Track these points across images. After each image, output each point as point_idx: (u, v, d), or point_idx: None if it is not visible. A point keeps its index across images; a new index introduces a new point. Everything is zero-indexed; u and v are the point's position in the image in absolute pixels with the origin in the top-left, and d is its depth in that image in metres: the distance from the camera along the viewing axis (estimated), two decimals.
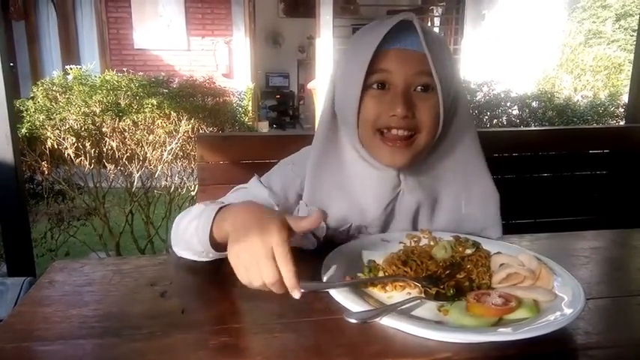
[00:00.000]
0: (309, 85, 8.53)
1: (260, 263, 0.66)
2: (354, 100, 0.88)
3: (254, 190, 1.00)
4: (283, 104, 9.75)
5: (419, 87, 0.87)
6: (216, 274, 0.83)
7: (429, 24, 7.16)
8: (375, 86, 0.88)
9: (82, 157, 2.91)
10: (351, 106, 0.89)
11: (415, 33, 0.86)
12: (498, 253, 0.83)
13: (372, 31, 0.88)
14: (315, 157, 0.98)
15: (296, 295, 0.66)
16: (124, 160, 2.97)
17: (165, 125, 2.97)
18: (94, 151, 2.93)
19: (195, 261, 0.88)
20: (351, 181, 0.96)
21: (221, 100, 3.46)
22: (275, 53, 10.00)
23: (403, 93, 0.86)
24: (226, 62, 7.51)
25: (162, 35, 7.33)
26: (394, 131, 0.87)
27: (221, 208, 0.78)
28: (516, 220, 1.53)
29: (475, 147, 0.99)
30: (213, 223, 0.77)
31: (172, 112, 3.00)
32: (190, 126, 3.02)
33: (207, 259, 0.85)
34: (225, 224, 0.74)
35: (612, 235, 1.11)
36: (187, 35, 7.40)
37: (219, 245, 0.78)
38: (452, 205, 0.98)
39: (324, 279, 0.74)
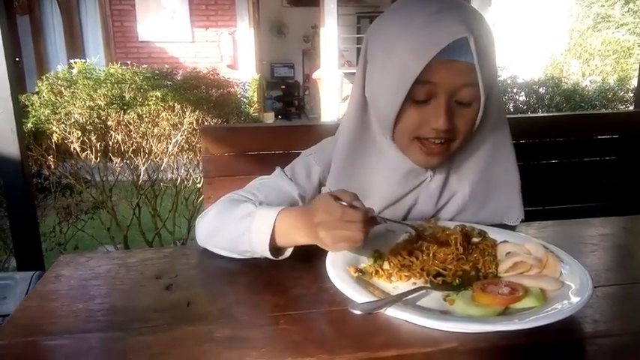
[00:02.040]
0: (314, 75, 8.50)
1: (343, 217, 0.70)
2: (394, 108, 0.85)
3: (279, 181, 1.00)
4: (288, 95, 9.73)
5: (463, 100, 0.84)
6: (221, 267, 0.83)
7: None
8: (417, 98, 0.84)
9: (88, 151, 2.91)
10: (389, 111, 0.86)
11: (466, 39, 0.78)
12: (504, 241, 0.82)
13: (422, 34, 0.79)
14: (345, 139, 0.97)
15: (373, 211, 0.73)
16: (129, 153, 2.98)
17: (169, 118, 2.97)
18: (100, 145, 2.93)
19: (202, 254, 0.89)
20: (379, 165, 0.97)
21: (226, 91, 3.45)
22: (279, 43, 9.96)
23: (447, 106, 0.83)
24: (231, 53, 7.49)
25: (166, 27, 7.32)
26: (431, 139, 0.86)
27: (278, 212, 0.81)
28: (525, 207, 1.52)
29: (504, 139, 0.99)
30: (274, 228, 0.79)
31: (177, 105, 3.00)
32: (195, 118, 3.01)
33: (243, 257, 0.86)
34: (292, 233, 0.79)
35: (621, 222, 1.10)
36: (191, 27, 7.38)
37: (278, 250, 0.82)
38: (473, 189, 0.98)
39: (328, 269, 0.74)
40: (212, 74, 3.49)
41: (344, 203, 0.71)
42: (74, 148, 2.88)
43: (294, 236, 0.79)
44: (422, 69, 0.79)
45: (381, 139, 0.95)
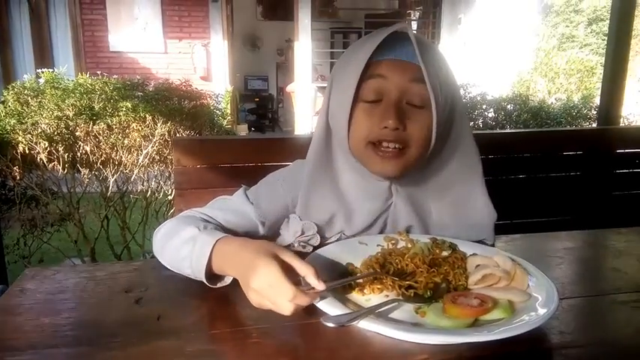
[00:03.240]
0: (288, 88, 8.54)
1: (274, 287, 0.67)
2: (345, 112, 0.87)
3: (240, 204, 0.97)
4: (262, 107, 9.72)
5: (412, 101, 0.86)
6: (192, 280, 0.82)
7: None
8: (368, 98, 0.86)
9: (55, 162, 2.84)
10: (342, 117, 0.88)
11: (410, 44, 0.85)
12: (474, 254, 0.84)
13: (366, 43, 0.87)
14: (310, 169, 0.97)
15: (321, 286, 0.68)
16: (98, 164, 2.92)
17: (140, 129, 2.92)
18: (68, 156, 2.87)
19: None
20: (344, 192, 0.96)
21: (199, 103, 3.43)
22: (253, 56, 9.97)
23: (395, 104, 0.84)
24: (204, 65, 7.46)
25: (139, 38, 7.25)
26: (385, 144, 0.86)
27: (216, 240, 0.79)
28: None
29: (472, 163, 0.98)
30: (210, 256, 0.78)
31: (148, 116, 2.96)
32: (167, 129, 2.98)
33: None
34: (226, 267, 0.77)
35: (585, 236, 1.14)
36: (164, 38, 7.33)
37: (213, 277, 0.79)
38: (445, 220, 0.97)
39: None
40: (185, 86, 3.47)
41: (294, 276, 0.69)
42: (41, 159, 2.81)
43: (227, 270, 0.78)
44: (365, 63, 0.84)
45: (343, 166, 0.95)
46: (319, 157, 0.96)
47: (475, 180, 0.98)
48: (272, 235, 1.00)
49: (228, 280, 0.80)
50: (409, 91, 0.85)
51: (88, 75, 3.13)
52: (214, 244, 0.78)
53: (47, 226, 3.00)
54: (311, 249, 0.95)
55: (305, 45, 7.82)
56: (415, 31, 0.90)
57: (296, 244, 0.96)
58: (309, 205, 0.97)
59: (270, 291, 0.67)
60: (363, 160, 0.90)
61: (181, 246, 0.83)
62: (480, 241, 0.97)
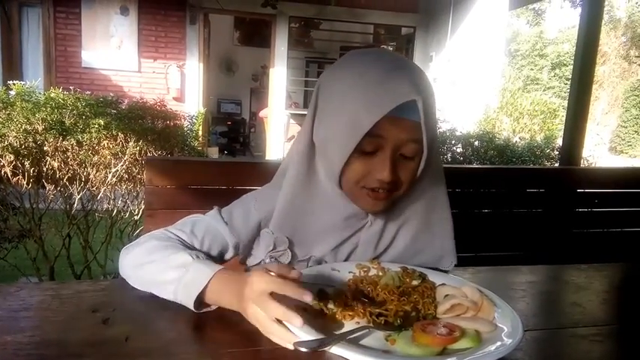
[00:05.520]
0: (262, 114, 8.58)
1: (262, 307, 0.69)
2: (342, 158, 0.87)
3: (213, 223, 0.98)
4: (234, 131, 9.72)
5: (405, 154, 0.88)
6: (163, 302, 0.81)
7: None
8: (365, 149, 0.86)
9: (20, 176, 2.76)
10: (337, 160, 0.88)
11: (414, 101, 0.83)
12: (443, 284, 0.86)
13: (374, 92, 0.83)
14: (290, 184, 0.97)
15: (307, 298, 0.70)
16: (64, 180, 2.85)
17: (111, 146, 2.88)
18: (33, 171, 2.79)
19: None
20: (322, 209, 0.97)
21: (172, 123, 3.41)
22: (228, 80, 10.01)
23: (392, 159, 0.86)
24: (177, 86, 7.44)
25: (113, 55, 7.19)
26: (376, 188, 0.89)
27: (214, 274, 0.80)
28: (458, 253, 1.59)
29: (441, 190, 1.03)
30: (205, 287, 0.79)
31: (120, 134, 2.93)
32: (138, 148, 2.95)
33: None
34: (223, 301, 0.79)
35: (547, 271, 1.18)
36: (139, 57, 7.30)
37: (202, 304, 0.80)
38: (411, 236, 1.01)
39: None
40: (159, 105, 3.45)
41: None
42: (5, 172, 2.72)
43: (224, 302, 0.79)
44: (372, 125, 0.82)
45: (325, 184, 0.96)
46: (300, 173, 0.97)
47: (443, 203, 1.03)
48: (244, 258, 1.01)
49: (213, 307, 0.81)
50: (405, 147, 0.87)
51: (60, 89, 3.08)
52: (211, 277, 0.79)
53: (5, 241, 2.89)
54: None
55: (280, 72, 7.92)
56: None
57: (267, 260, 0.97)
58: (285, 219, 0.98)
59: (262, 322, 0.70)
60: (352, 196, 0.93)
61: (167, 270, 0.82)
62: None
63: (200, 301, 0.79)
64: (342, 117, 0.86)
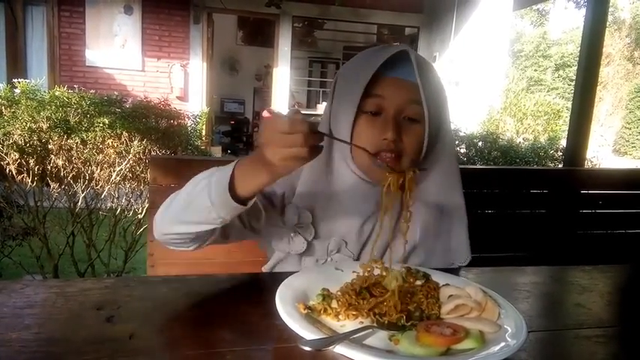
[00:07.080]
0: (265, 113, 8.57)
1: (287, 129, 0.72)
2: (348, 122, 0.94)
3: None
4: (237, 130, 9.72)
5: (408, 115, 0.94)
6: (166, 300, 0.81)
7: None
8: (368, 112, 0.94)
9: (25, 174, 2.77)
10: (346, 127, 0.95)
11: (410, 63, 0.93)
12: (446, 284, 0.86)
13: (369, 58, 0.94)
14: (309, 168, 1.01)
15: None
16: (69, 179, 2.86)
17: (115, 145, 2.89)
18: (38, 169, 2.80)
19: (146, 285, 0.86)
20: (340, 193, 1.01)
21: (175, 122, 3.42)
22: (231, 79, 10.02)
23: (394, 119, 0.93)
24: (181, 85, 7.46)
25: (116, 54, 7.21)
26: (383, 154, 0.93)
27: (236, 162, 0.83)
28: None
29: (454, 174, 1.08)
30: (233, 174, 0.81)
31: (124, 132, 2.93)
32: (142, 147, 2.96)
33: (206, 226, 0.87)
34: (250, 174, 0.81)
35: (550, 272, 1.17)
36: (142, 56, 7.32)
37: (240, 201, 0.82)
38: (427, 223, 1.04)
39: (277, 305, 0.74)
40: (163, 104, 3.46)
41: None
42: (10, 170, 2.73)
43: (250, 178, 0.81)
44: (368, 80, 0.91)
45: (344, 169, 1.01)
46: (319, 159, 0.99)
47: (457, 189, 1.09)
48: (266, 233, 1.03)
49: (250, 203, 0.84)
50: (406, 108, 0.94)
51: (65, 88, 3.09)
52: (235, 163, 0.82)
53: (9, 239, 2.90)
54: (304, 243, 0.99)
55: (283, 72, 7.92)
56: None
57: (292, 234, 1.00)
58: (304, 201, 1.01)
59: (277, 136, 0.72)
60: (364, 168, 0.98)
61: (198, 183, 0.86)
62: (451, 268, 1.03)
63: (236, 196, 0.81)
64: (346, 87, 0.96)
